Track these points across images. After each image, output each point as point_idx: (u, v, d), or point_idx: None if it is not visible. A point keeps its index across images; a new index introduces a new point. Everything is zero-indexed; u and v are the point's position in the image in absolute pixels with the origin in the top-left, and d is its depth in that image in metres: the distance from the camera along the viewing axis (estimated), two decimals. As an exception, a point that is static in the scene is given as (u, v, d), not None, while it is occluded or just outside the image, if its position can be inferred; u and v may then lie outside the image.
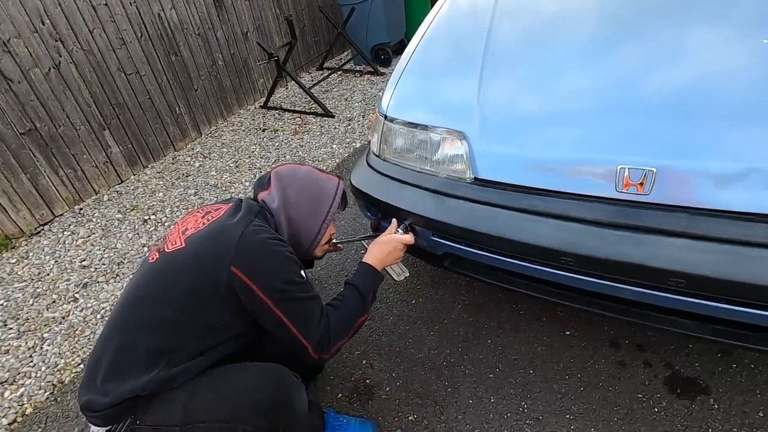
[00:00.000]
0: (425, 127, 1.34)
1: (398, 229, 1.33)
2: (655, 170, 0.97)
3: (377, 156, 1.49)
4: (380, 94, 4.17)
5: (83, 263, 2.44)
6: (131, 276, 1.19)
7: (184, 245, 1.06)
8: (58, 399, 1.71)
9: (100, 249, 2.54)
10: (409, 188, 1.34)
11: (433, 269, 2.03)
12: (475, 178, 1.23)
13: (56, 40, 2.73)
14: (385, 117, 1.45)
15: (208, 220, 1.11)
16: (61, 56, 2.76)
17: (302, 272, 1.11)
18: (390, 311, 1.86)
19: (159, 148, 3.43)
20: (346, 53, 5.16)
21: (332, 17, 4.47)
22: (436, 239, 1.30)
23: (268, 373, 1.03)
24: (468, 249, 1.25)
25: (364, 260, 1.28)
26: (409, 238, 1.31)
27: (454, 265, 1.43)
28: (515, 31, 1.44)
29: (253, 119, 3.92)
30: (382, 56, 4.63)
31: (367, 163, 1.52)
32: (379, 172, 1.45)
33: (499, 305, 1.80)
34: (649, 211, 0.99)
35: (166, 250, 1.08)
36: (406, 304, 1.88)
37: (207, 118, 3.80)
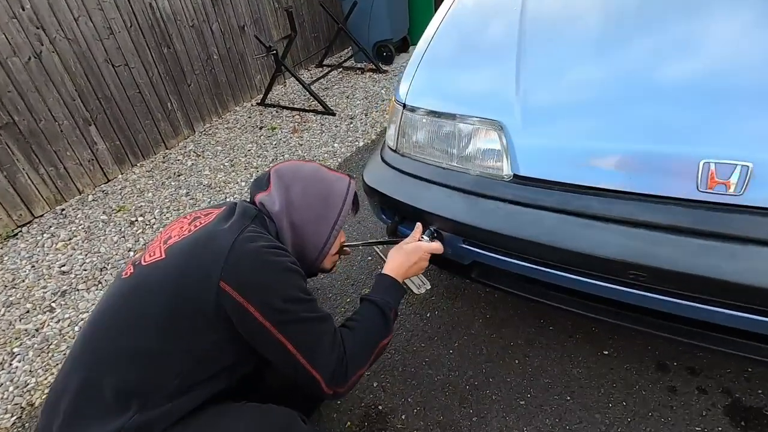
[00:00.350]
0: (452, 117, 1.15)
1: (423, 236, 1.14)
2: (750, 165, 0.79)
3: (394, 151, 1.31)
4: (382, 91, 4.03)
5: (62, 269, 2.23)
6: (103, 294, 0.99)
7: (163, 256, 0.86)
8: (26, 425, 1.50)
9: (81, 253, 2.33)
10: (435, 187, 1.15)
11: (448, 278, 1.84)
12: (515, 176, 1.05)
13: (37, 27, 2.53)
14: (404, 106, 1.26)
15: (195, 226, 0.92)
16: (42, 45, 2.56)
17: (306, 280, 0.92)
18: (402, 326, 1.67)
19: (149, 145, 3.23)
20: (346, 50, 4.97)
21: (333, 12, 4.29)
22: (467, 247, 1.12)
23: (269, 419, 0.84)
24: (504, 258, 1.06)
25: (384, 272, 1.09)
26: (437, 246, 1.12)
27: (483, 276, 1.24)
28: (556, 9, 1.25)
29: (250, 116, 3.73)
30: (384, 53, 4.45)
31: (382, 159, 1.33)
32: (397, 169, 1.26)
33: (525, 320, 1.61)
34: (742, 215, 0.81)
35: (143, 263, 0.88)
36: (419, 318, 1.69)
37: (201, 114, 3.61)
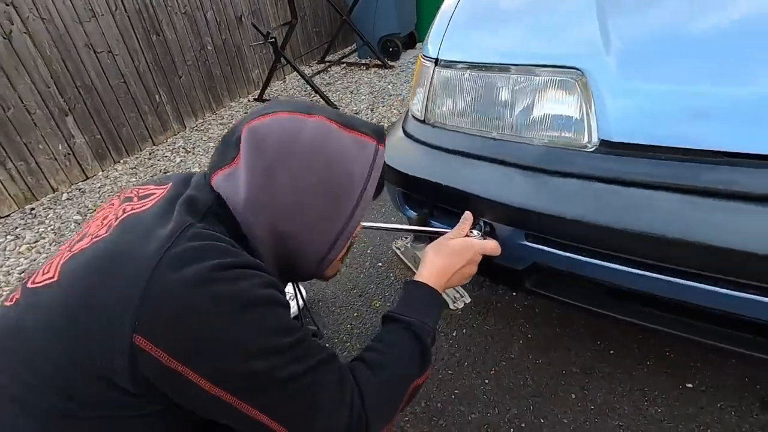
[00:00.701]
0: (506, 69, 0.85)
1: (472, 231, 0.82)
2: None
3: (421, 121, 1.01)
4: (389, 86, 3.75)
5: (23, 275, 1.93)
6: None
7: (55, 277, 0.53)
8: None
9: (47, 257, 2.02)
10: (483, 164, 0.85)
11: (476, 287, 1.53)
12: (603, 143, 0.74)
13: (7, 5, 2.26)
14: (436, 62, 0.96)
15: (117, 217, 0.58)
16: (13, 24, 2.28)
17: (290, 309, 0.58)
18: (424, 347, 1.35)
19: (134, 140, 2.94)
20: (349, 48, 4.72)
21: (336, 4, 4.03)
22: (530, 244, 0.81)
23: None
24: (586, 260, 0.75)
25: (419, 279, 0.77)
26: (493, 245, 0.80)
27: (542, 285, 0.93)
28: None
29: (246, 112, 3.44)
30: (390, 49, 4.19)
31: (405, 133, 1.03)
32: (427, 144, 0.96)
33: (577, 341, 1.30)
34: None
35: (29, 285, 0.56)
36: (445, 339, 1.37)
37: (192, 109, 3.33)
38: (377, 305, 1.54)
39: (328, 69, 4.02)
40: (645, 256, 0.68)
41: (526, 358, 1.28)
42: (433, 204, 0.95)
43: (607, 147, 0.74)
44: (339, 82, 3.87)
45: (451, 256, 0.77)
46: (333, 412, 0.55)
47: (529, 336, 1.34)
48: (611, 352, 1.25)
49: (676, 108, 0.68)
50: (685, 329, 0.78)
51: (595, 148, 0.75)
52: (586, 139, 0.76)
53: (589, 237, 0.71)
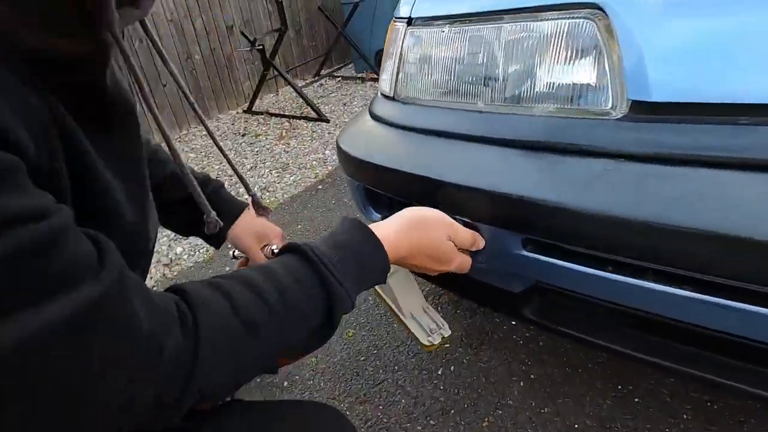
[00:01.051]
0: (498, 18, 0.63)
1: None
2: None
3: (391, 98, 0.78)
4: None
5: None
6: None
7: None
8: None
9: None
10: (469, 146, 0.62)
11: (467, 315, 1.28)
12: (634, 106, 0.51)
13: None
14: (409, 22, 0.75)
15: None
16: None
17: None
18: (402, 389, 1.09)
19: (109, 149, 2.75)
20: (346, 62, 4.60)
21: (332, 17, 3.92)
22: (529, 255, 0.57)
23: None
24: (615, 278, 0.51)
25: (382, 233, 0.49)
26: (462, 262, 0.55)
27: (546, 314, 0.69)
28: None
29: (233, 124, 3.29)
30: (388, 63, 4.05)
31: (372, 115, 0.81)
32: (397, 125, 0.74)
33: (592, 383, 1.04)
34: None
35: None
36: (427, 378, 1.12)
37: (177, 120, 3.18)
38: (351, 335, 1.30)
39: (323, 83, 3.87)
40: (707, 270, 0.44)
41: (529, 405, 1.02)
42: (403, 202, 0.72)
43: (641, 112, 0.51)
44: (333, 95, 3.71)
45: (434, 257, 0.52)
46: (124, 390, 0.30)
47: (532, 376, 1.08)
48: (636, 399, 0.99)
49: (753, 51, 0.45)
50: (754, 381, 0.53)
51: (622, 114, 0.52)
52: (609, 102, 0.53)
53: (619, 242, 0.48)
